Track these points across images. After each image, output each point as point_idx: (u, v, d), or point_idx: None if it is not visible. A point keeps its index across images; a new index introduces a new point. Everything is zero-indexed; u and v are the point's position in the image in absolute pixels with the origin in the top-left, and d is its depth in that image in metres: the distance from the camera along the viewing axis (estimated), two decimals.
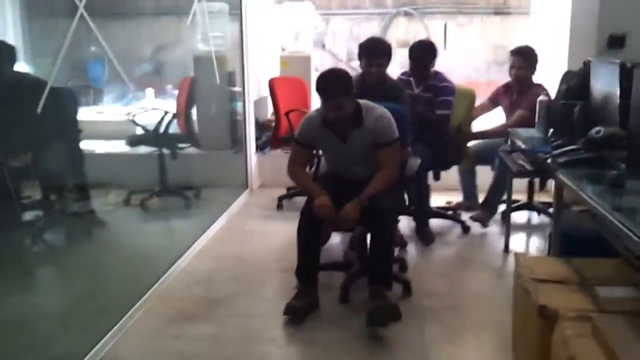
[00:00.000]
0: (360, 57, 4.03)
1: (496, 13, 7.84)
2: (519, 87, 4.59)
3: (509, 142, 4.10)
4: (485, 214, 4.59)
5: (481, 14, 7.93)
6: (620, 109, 2.95)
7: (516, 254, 2.87)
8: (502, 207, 4.59)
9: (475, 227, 4.57)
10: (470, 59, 7.81)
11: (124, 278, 3.73)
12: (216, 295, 3.50)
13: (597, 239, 2.96)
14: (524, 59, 4.53)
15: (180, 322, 3.19)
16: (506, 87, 4.76)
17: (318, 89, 3.24)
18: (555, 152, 3.08)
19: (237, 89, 5.70)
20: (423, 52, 4.35)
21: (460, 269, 3.95)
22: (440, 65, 4.65)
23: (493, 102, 4.84)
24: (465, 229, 4.53)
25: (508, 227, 4.10)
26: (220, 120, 5.81)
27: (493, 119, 4.98)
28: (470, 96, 4.66)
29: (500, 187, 4.44)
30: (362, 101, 3.30)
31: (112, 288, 3.59)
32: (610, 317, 2.13)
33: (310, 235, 3.26)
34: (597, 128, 2.95)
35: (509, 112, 4.69)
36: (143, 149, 5.33)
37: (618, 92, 2.97)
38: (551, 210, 4.51)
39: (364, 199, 3.16)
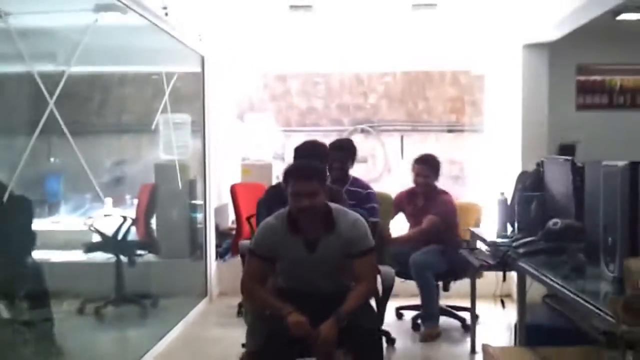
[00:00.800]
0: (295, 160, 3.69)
1: (450, 131, 8.12)
2: (425, 194, 4.68)
3: (468, 242, 4.15)
4: (430, 327, 4.47)
5: (436, 131, 8.18)
6: (575, 203, 3.04)
7: (484, 345, 2.84)
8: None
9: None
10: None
11: None
12: None
13: (560, 328, 2.98)
14: (429, 167, 4.65)
15: None
16: (410, 194, 4.82)
17: (289, 171, 2.90)
18: (515, 243, 3.12)
19: (198, 196, 5.71)
20: (344, 149, 4.26)
21: None
22: (397, 179, 4.74)
23: (396, 209, 4.88)
24: (391, 341, 4.34)
25: (474, 329, 4.05)
26: (180, 227, 5.75)
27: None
28: (388, 202, 4.75)
29: (430, 294, 4.42)
30: (331, 204, 2.90)
31: None
32: None
33: None
34: (554, 220, 3.03)
35: (415, 218, 4.74)
36: (99, 257, 5.21)
37: (571, 188, 3.08)
38: (460, 313, 4.66)
39: (342, 319, 2.68)
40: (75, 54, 4.03)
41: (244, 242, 4.34)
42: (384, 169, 7.59)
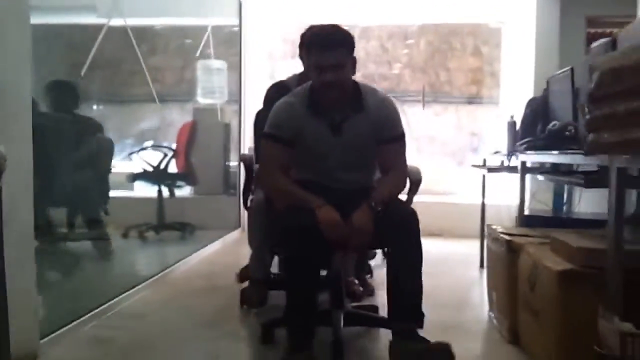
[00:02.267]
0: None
1: (469, 102, 8.45)
2: None
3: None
4: None
5: (456, 103, 8.51)
6: (572, 109, 3.43)
7: (488, 225, 3.25)
8: None
9: None
10: (447, 145, 8.35)
11: (126, 272, 4.05)
12: (217, 284, 3.81)
13: (555, 218, 3.39)
14: None
15: (184, 296, 3.54)
16: None
17: (309, 42, 2.39)
18: (518, 143, 3.53)
19: (233, 138, 6.17)
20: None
21: (437, 279, 4.23)
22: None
23: None
24: None
25: (482, 244, 4.43)
26: (217, 167, 6.23)
27: None
28: None
29: None
30: (358, 80, 2.51)
31: (123, 273, 4.06)
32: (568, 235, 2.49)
33: (309, 267, 2.28)
34: (554, 122, 3.42)
35: None
36: (143, 192, 5.73)
37: (570, 96, 3.47)
38: None
39: (376, 204, 2.31)
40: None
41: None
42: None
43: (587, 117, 1.87)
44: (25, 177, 2.38)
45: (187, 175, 5.71)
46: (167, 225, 5.54)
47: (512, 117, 4.25)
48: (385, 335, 2.60)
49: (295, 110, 2.44)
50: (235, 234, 5.73)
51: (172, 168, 5.65)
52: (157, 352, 2.59)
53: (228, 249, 5.15)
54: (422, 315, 2.31)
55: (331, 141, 2.44)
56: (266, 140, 2.47)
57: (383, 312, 2.59)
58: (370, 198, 2.34)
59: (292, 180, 2.43)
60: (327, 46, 2.35)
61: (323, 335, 2.44)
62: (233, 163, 6.25)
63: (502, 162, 3.95)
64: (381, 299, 2.63)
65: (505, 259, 2.76)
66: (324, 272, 2.57)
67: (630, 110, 1.71)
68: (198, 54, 5.91)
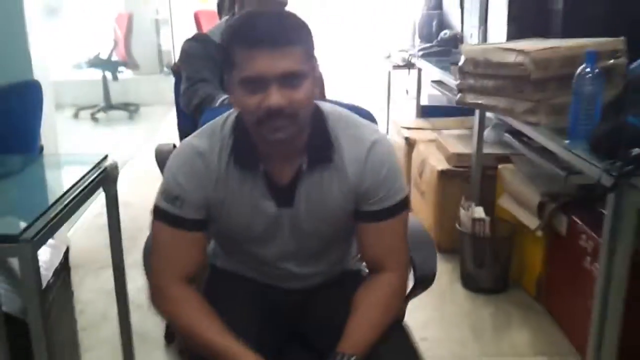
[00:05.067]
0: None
1: None
2: None
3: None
4: None
5: None
6: (460, 18, 4.26)
7: (392, 120, 4.18)
8: None
9: None
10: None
11: None
12: None
13: (445, 108, 4.34)
14: None
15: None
16: None
17: (235, 30, 1.24)
18: (417, 48, 4.38)
19: (165, 19, 6.73)
20: None
21: None
22: None
23: None
24: None
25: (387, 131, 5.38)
26: (151, 47, 6.80)
27: None
28: None
29: None
30: (325, 104, 1.39)
31: None
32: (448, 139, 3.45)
33: None
34: (445, 31, 4.27)
35: None
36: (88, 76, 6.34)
37: (459, 5, 4.27)
38: None
39: None
40: None
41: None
42: None
43: (458, 82, 2.72)
44: None
45: (128, 62, 6.30)
46: (114, 105, 6.23)
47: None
48: None
49: (209, 168, 1.33)
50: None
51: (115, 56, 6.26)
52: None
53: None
54: None
55: (276, 215, 1.37)
56: (158, 221, 1.35)
57: None
58: (334, 354, 1.28)
59: (201, 303, 1.34)
60: (268, 41, 1.19)
61: None
62: (164, 48, 6.90)
63: (405, 58, 4.74)
64: None
65: (404, 149, 3.73)
66: None
67: (482, 87, 2.58)
68: None
